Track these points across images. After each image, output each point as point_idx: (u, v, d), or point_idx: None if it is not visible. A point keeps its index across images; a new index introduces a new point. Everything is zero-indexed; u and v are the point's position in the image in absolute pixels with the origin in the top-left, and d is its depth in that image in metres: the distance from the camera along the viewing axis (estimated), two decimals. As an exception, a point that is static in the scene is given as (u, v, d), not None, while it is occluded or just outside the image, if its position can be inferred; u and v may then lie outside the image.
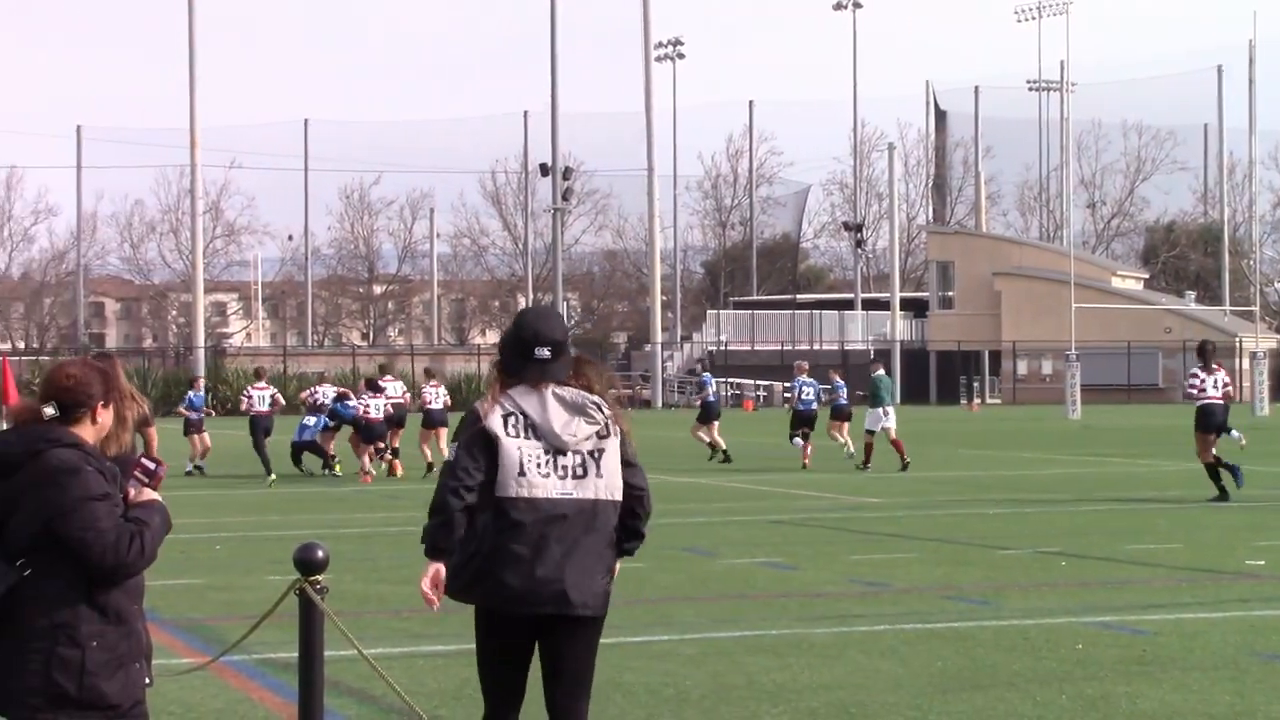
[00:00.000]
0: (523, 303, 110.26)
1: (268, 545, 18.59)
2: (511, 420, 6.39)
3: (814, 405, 33.13)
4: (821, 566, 16.38)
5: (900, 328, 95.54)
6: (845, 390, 34.88)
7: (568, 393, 6.49)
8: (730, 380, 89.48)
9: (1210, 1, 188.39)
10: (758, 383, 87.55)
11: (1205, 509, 22.39)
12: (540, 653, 6.50)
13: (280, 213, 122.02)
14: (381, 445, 30.91)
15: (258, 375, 34.12)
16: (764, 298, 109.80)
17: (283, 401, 33.37)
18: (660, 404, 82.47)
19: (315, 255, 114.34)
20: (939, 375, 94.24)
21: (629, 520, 6.62)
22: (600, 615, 6.48)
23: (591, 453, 6.44)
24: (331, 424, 31.75)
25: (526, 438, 6.38)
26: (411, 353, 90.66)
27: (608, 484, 6.45)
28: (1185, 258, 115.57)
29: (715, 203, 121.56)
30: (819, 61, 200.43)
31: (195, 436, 32.66)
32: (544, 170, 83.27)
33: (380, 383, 31.52)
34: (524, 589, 6.30)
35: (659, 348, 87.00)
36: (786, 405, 35.02)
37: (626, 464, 6.57)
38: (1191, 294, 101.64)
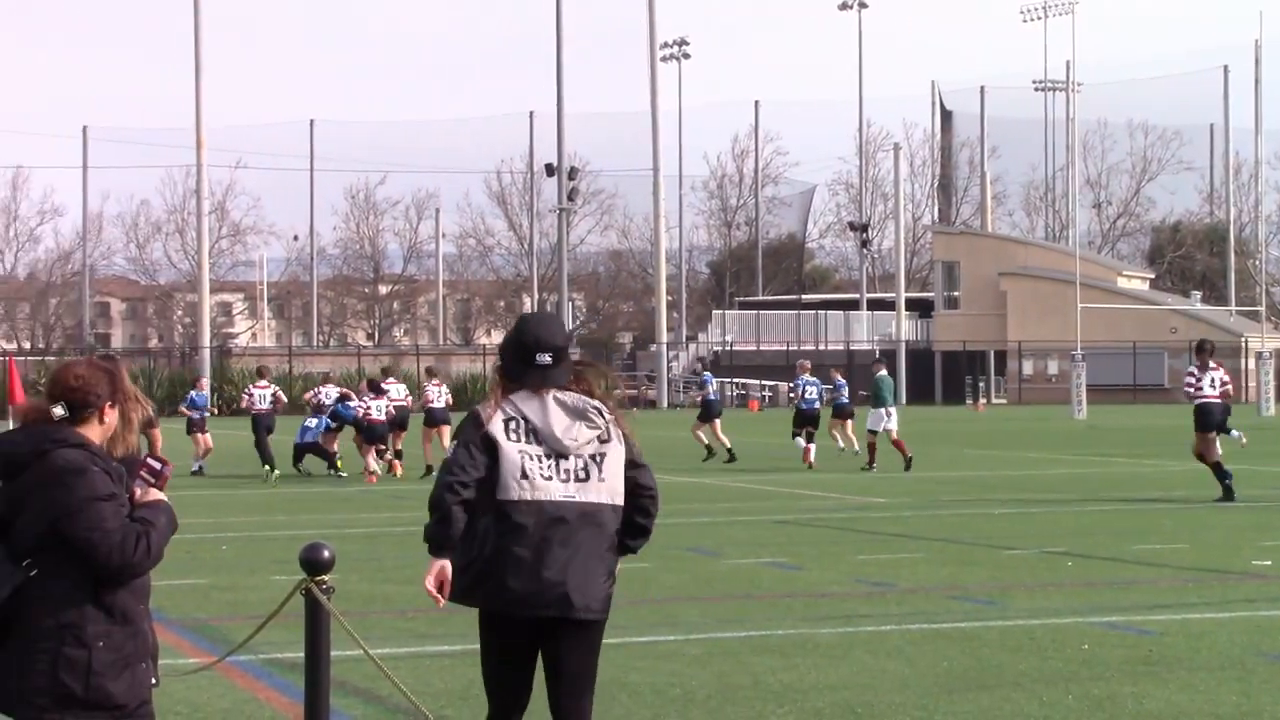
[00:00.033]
0: (528, 303, 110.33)
1: (273, 545, 18.61)
2: (513, 425, 6.42)
3: (817, 404, 33.17)
4: (827, 567, 16.38)
5: (905, 328, 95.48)
6: (846, 389, 34.92)
7: (569, 398, 6.51)
8: (735, 380, 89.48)
9: (1216, 1, 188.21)
10: (763, 383, 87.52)
11: (1211, 509, 22.38)
12: (543, 655, 6.52)
13: (286, 213, 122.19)
14: (383, 447, 30.94)
15: (260, 374, 34.16)
16: (769, 298, 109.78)
17: (284, 400, 33.40)
18: (665, 404, 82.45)
19: (320, 255, 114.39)
20: (944, 375, 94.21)
21: (640, 518, 6.66)
22: (602, 618, 6.50)
23: (593, 457, 6.47)
24: (333, 425, 31.85)
25: (528, 442, 6.41)
26: (417, 353, 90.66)
27: (609, 488, 6.48)
28: (1191, 258, 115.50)
29: (721, 203, 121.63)
30: (824, 61, 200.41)
31: (198, 436, 32.70)
32: (549, 170, 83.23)
33: (382, 385, 31.57)
34: (526, 592, 6.33)
35: (664, 348, 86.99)
36: (792, 404, 35.01)
37: (634, 465, 6.60)
38: (1197, 294, 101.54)
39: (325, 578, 6.66)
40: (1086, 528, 20.20)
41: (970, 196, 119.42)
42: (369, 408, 30.74)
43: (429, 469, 29.69)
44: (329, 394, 32.45)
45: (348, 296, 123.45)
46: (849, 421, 34.29)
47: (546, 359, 6.52)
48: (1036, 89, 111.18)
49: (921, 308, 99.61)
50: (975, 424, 58.72)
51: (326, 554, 6.68)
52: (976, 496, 25.37)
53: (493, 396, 6.54)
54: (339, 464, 31.19)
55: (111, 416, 5.66)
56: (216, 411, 37.71)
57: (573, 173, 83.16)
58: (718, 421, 34.79)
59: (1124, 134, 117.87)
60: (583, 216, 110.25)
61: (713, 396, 35.88)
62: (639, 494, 6.62)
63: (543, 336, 6.56)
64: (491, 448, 6.38)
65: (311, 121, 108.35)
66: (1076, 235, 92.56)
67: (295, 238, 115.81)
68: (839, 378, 34.64)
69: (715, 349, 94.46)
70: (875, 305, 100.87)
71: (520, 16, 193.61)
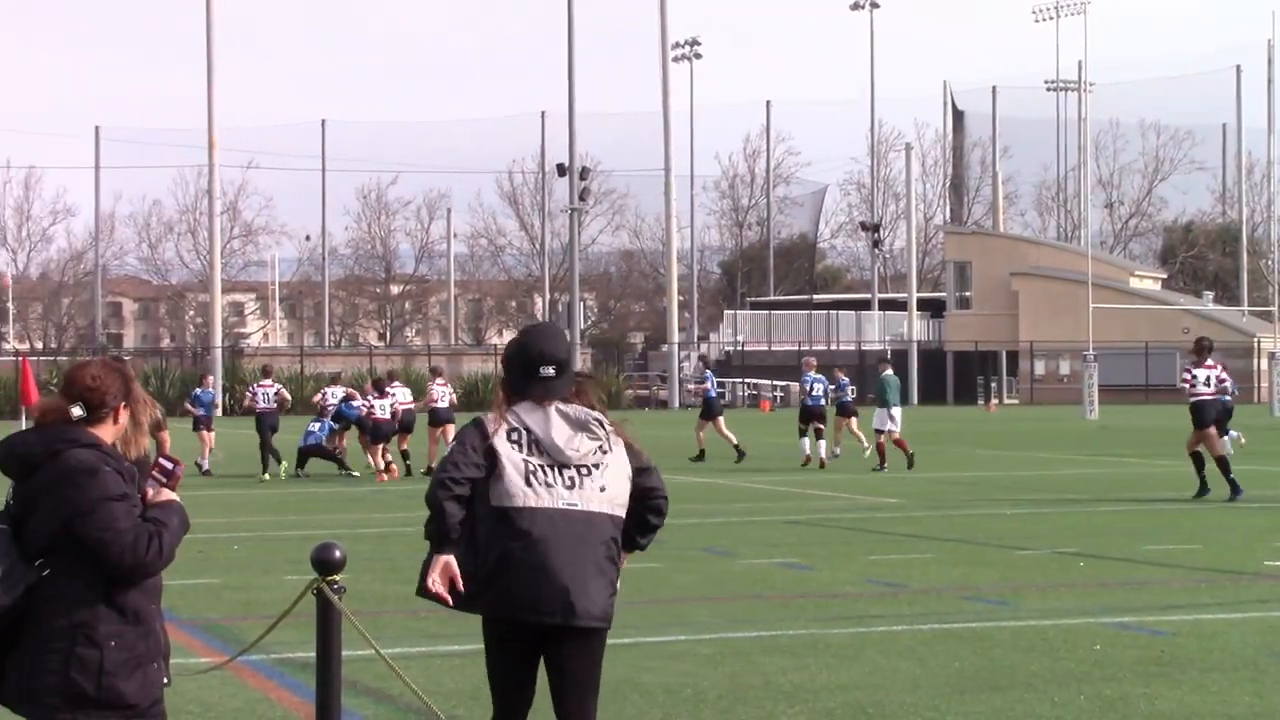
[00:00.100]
0: (540, 303, 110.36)
1: (285, 545, 18.63)
2: (515, 435, 6.51)
3: (822, 401, 33.36)
4: (838, 567, 16.37)
5: (917, 328, 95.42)
6: (850, 388, 35.02)
7: (571, 409, 6.60)
8: (747, 380, 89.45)
9: (1229, 1, 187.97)
10: (774, 383, 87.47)
11: (1224, 510, 22.34)
12: (545, 661, 6.58)
13: (297, 213, 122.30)
14: (386, 446, 31.12)
15: (265, 373, 34.23)
16: (781, 298, 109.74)
17: (288, 398, 33.40)
18: (677, 404, 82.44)
19: (332, 255, 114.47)
20: (956, 375, 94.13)
21: (653, 518, 6.78)
22: (604, 626, 6.56)
23: (595, 466, 6.55)
24: (335, 426, 32.04)
25: (531, 452, 6.49)
26: (428, 353, 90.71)
27: (609, 497, 6.56)
28: (1203, 258, 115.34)
29: (732, 203, 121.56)
30: (836, 62, 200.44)
31: (203, 433, 32.78)
32: (561, 170, 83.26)
33: (387, 389, 31.76)
34: (529, 599, 6.40)
35: (676, 348, 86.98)
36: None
37: (641, 470, 6.68)
38: (1210, 294, 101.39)
39: (337, 577, 6.67)
40: (1099, 528, 20.18)
41: (982, 196, 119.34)
42: (372, 406, 30.93)
43: (429, 470, 29.76)
44: (335, 394, 32.65)
45: (359, 296, 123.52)
46: (853, 419, 34.34)
47: (549, 371, 6.61)
48: (1049, 89, 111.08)
49: (933, 308, 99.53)
50: (987, 424, 58.67)
51: (338, 554, 6.69)
52: (988, 497, 25.34)
53: (496, 408, 6.62)
54: (348, 463, 31.34)
55: (124, 417, 5.68)
56: (220, 411, 37.66)
57: (584, 173, 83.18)
58: (721, 419, 34.84)
59: (1136, 134, 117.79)
60: (594, 216, 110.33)
61: (712, 394, 35.92)
62: (651, 496, 6.72)
63: (546, 349, 6.65)
64: (492, 456, 6.46)
65: (323, 121, 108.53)
66: (1088, 235, 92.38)
67: (307, 238, 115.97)
68: (843, 377, 34.69)
69: (726, 349, 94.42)
70: (887, 305, 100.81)
71: (532, 17, 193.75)
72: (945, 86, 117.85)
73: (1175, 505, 23.12)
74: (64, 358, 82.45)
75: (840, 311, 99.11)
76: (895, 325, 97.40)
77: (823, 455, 32.67)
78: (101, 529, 5.35)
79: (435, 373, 34.10)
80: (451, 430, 30.24)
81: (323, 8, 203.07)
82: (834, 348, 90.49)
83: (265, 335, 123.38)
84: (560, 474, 6.48)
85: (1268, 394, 71.04)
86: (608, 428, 6.61)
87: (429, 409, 31.62)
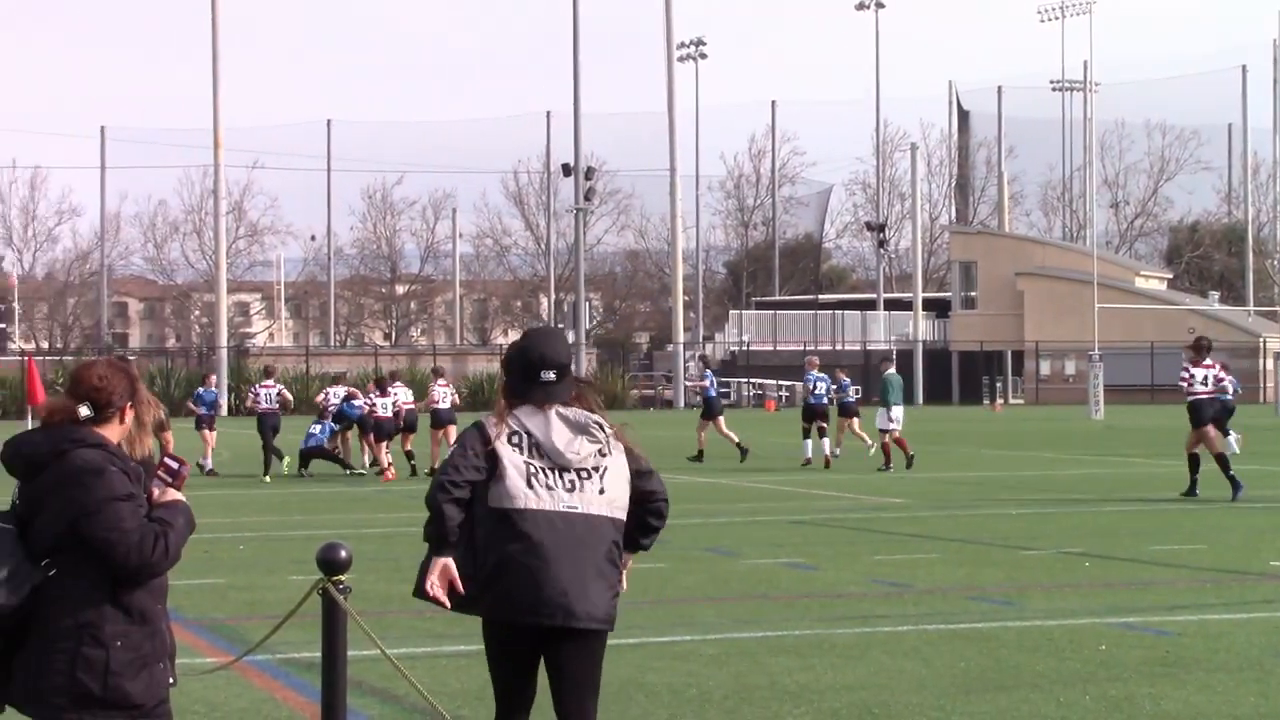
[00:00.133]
0: (545, 303, 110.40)
1: (290, 545, 18.64)
2: (515, 438, 6.55)
3: (825, 399, 33.44)
4: (844, 567, 16.37)
5: (923, 328, 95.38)
6: (851, 389, 35.06)
7: (571, 413, 6.63)
8: (752, 380, 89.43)
9: (1234, 1, 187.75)
10: (780, 383, 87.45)
11: (1228, 510, 22.33)
12: (545, 661, 6.62)
13: (303, 213, 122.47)
14: (388, 445, 31.23)
15: (267, 373, 34.23)
16: (786, 298, 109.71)
17: (290, 399, 33.34)
18: (682, 404, 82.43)
19: (338, 255, 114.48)
20: (961, 375, 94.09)
21: (654, 520, 6.82)
22: (605, 628, 6.59)
23: (594, 470, 6.59)
24: (336, 427, 32.11)
25: (531, 456, 6.53)
26: (434, 353, 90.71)
27: (609, 500, 6.60)
28: (1209, 258, 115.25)
29: (738, 203, 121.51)
30: (841, 61, 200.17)
31: (205, 433, 32.80)
32: (566, 170, 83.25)
33: (389, 387, 31.90)
34: (528, 601, 6.43)
35: (681, 348, 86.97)
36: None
37: (641, 473, 6.72)
38: (1215, 294, 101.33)
39: (342, 577, 6.68)
40: (1104, 528, 20.17)
41: (987, 196, 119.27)
42: (374, 405, 31.05)
43: (432, 470, 29.79)
44: (337, 394, 32.73)
45: (365, 296, 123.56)
46: (855, 420, 34.38)
47: (550, 375, 6.65)
48: (1054, 89, 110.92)
49: (939, 308, 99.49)
50: (992, 424, 58.65)
51: (343, 554, 6.69)
52: (993, 497, 25.33)
53: (497, 412, 6.66)
54: (350, 461, 31.45)
55: (130, 417, 5.68)
56: (225, 411, 37.57)
57: (589, 173, 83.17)
58: (721, 419, 34.87)
59: (1142, 134, 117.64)
60: (599, 216, 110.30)
61: (712, 394, 35.94)
62: (651, 499, 6.76)
63: (547, 354, 6.69)
64: (494, 459, 6.50)
65: (329, 122, 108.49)
66: (1094, 235, 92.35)
67: (312, 238, 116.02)
68: (844, 378, 34.73)
69: (732, 349, 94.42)
70: (892, 305, 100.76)
71: (537, 17, 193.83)
72: (950, 86, 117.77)
73: (1180, 505, 23.10)
74: (69, 358, 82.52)
75: (845, 311, 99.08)
76: (900, 325, 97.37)
77: (826, 452, 32.75)
78: (107, 529, 5.36)
79: (437, 374, 34.13)
80: (453, 432, 30.28)
81: (328, 8, 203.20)
82: (839, 348, 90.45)
83: (270, 335, 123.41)
84: (560, 477, 6.52)
85: (1273, 394, 70.96)
86: (607, 431, 6.64)
87: (431, 410, 31.65)
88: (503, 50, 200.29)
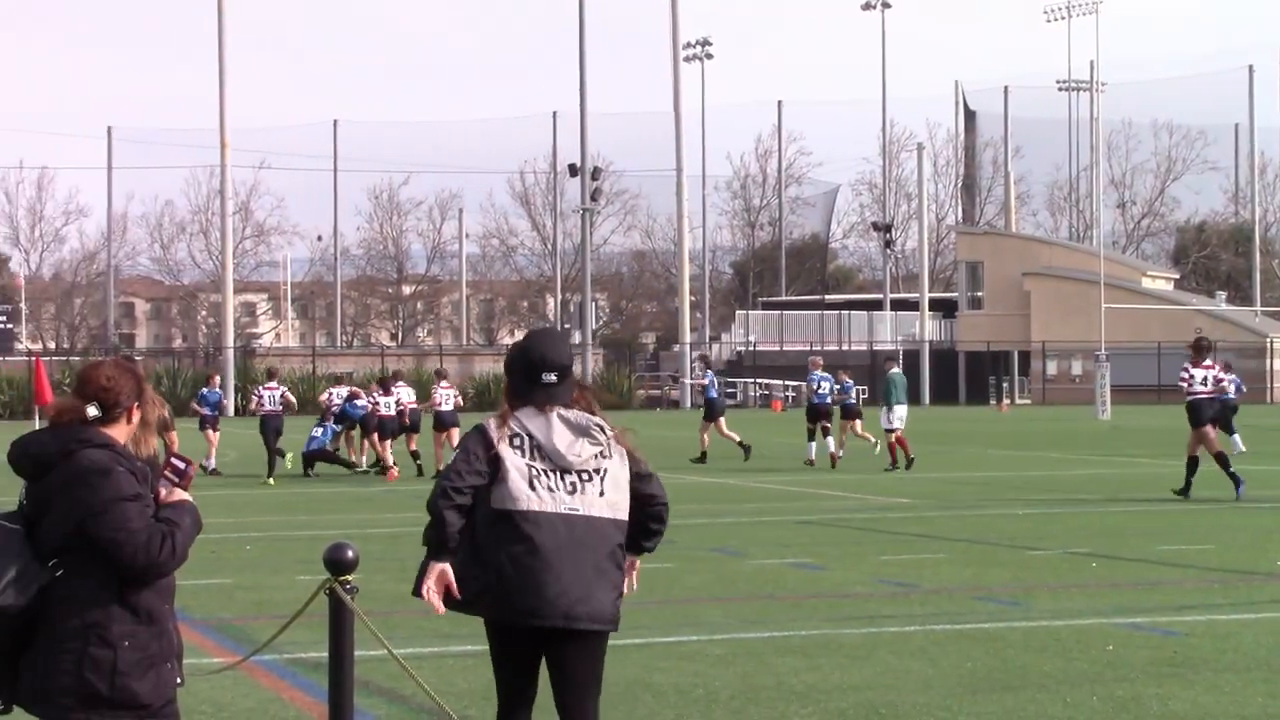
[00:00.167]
0: (551, 303, 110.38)
1: (297, 545, 18.65)
2: (517, 441, 6.58)
3: (829, 399, 33.47)
4: (850, 567, 16.37)
5: (929, 328, 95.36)
6: (854, 390, 35.09)
7: (572, 415, 6.66)
8: (759, 380, 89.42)
9: (1241, 1, 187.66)
10: (786, 383, 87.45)
11: (1234, 510, 22.31)
12: (547, 661, 6.66)
13: (309, 213, 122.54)
14: (390, 443, 31.30)
15: (269, 375, 34.21)
16: (793, 298, 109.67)
17: (293, 401, 33.26)
18: (688, 404, 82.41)
19: (344, 256, 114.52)
20: (968, 376, 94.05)
21: (653, 525, 6.84)
22: (606, 629, 6.62)
23: (595, 472, 6.62)
24: (338, 428, 32.14)
25: (532, 457, 6.56)
26: (440, 353, 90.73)
27: (610, 502, 6.62)
28: (1216, 258, 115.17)
29: (744, 203, 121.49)
30: (848, 61, 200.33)
31: (209, 433, 32.82)
32: (573, 171, 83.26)
33: (393, 387, 31.97)
34: (529, 603, 6.47)
35: (688, 348, 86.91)
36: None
37: (641, 477, 6.75)
38: (1222, 294, 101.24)
39: (349, 577, 6.68)
40: (1111, 528, 20.16)
41: (994, 196, 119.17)
42: (377, 404, 31.11)
43: (439, 473, 29.79)
44: (340, 394, 32.76)
45: (371, 297, 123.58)
46: (857, 422, 34.40)
47: (551, 377, 6.68)
48: (1060, 89, 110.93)
49: (945, 308, 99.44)
50: (999, 424, 58.61)
51: (350, 554, 6.70)
52: (1000, 497, 25.32)
53: (501, 415, 6.69)
54: (352, 460, 31.52)
55: (137, 417, 5.69)
56: (232, 411, 37.47)
57: (596, 173, 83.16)
58: (722, 420, 34.88)
59: (1148, 134, 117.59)
60: (606, 217, 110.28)
61: (713, 394, 35.95)
62: (650, 504, 6.79)
63: (548, 356, 6.72)
64: (496, 462, 6.53)
65: (335, 122, 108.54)
66: (1101, 235, 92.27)
67: (319, 238, 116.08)
68: (847, 379, 34.77)
69: (738, 349, 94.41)
70: (899, 305, 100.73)
71: (544, 17, 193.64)
72: (957, 86, 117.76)
73: (1187, 506, 23.09)
74: (76, 358, 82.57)
75: (852, 312, 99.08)
76: (907, 325, 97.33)
77: (831, 450, 32.81)
78: (115, 529, 5.36)
79: (440, 376, 34.14)
80: (456, 435, 30.26)
81: (334, 8, 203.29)
82: (846, 348, 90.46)
83: (277, 335, 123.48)
84: (562, 479, 6.55)
85: (1280, 394, 70.88)
86: (608, 433, 6.67)
87: (434, 413, 31.64)
88: (509, 50, 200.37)
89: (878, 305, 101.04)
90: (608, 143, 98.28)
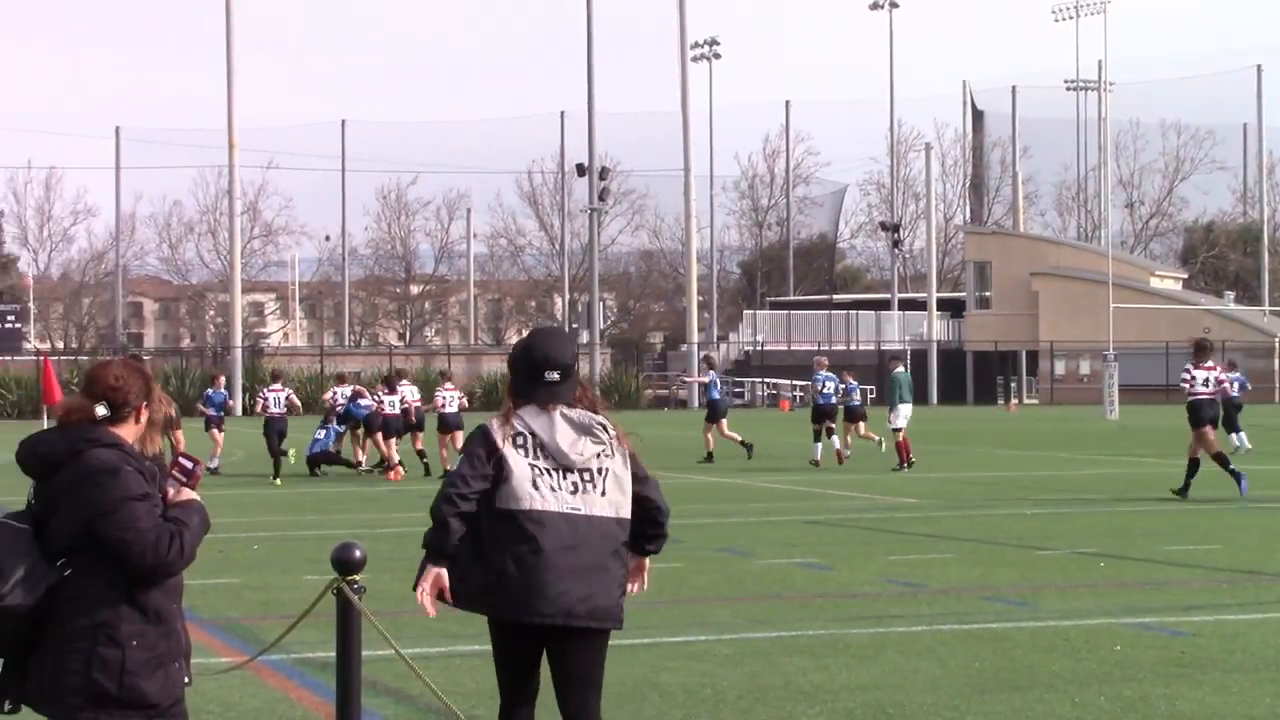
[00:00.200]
0: (559, 303, 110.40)
1: (305, 545, 18.66)
2: (520, 440, 6.62)
3: (833, 399, 33.51)
4: (858, 567, 16.36)
5: (937, 328, 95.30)
6: (857, 391, 35.12)
7: (575, 414, 6.70)
8: (766, 380, 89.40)
9: (1249, 1, 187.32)
10: (794, 383, 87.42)
11: (1242, 510, 22.29)
12: (548, 659, 6.70)
13: (317, 213, 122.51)
14: (397, 443, 31.30)
15: (274, 377, 34.21)
16: (800, 298, 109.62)
17: (298, 404, 33.19)
18: (696, 404, 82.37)
19: (352, 255, 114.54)
20: (976, 375, 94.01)
21: (651, 529, 6.89)
22: (607, 627, 6.66)
23: (598, 470, 6.65)
24: (341, 430, 32.14)
25: (535, 456, 6.60)
26: (448, 353, 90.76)
27: (612, 501, 6.66)
28: (1224, 258, 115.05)
29: (752, 203, 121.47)
30: (855, 61, 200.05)
31: (214, 433, 32.84)
32: (580, 170, 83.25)
33: (397, 386, 31.93)
34: (532, 601, 6.50)
35: (695, 348, 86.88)
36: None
37: (637, 479, 6.78)
38: (1231, 294, 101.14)
39: (357, 577, 6.69)
40: (1119, 528, 20.14)
41: (1002, 196, 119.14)
42: (382, 402, 31.09)
43: (446, 474, 29.80)
44: (344, 393, 32.72)
45: (379, 297, 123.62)
46: (861, 424, 34.43)
47: (554, 376, 6.71)
48: (1068, 89, 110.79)
49: (953, 308, 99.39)
50: (1007, 424, 58.58)
51: (358, 554, 6.71)
52: (1008, 497, 25.31)
53: (504, 413, 6.72)
54: (354, 459, 31.56)
55: (145, 417, 5.69)
56: (240, 411, 37.40)
57: (604, 173, 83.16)
58: (724, 421, 34.88)
59: (1156, 134, 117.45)
60: (614, 216, 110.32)
61: (716, 395, 35.96)
62: (647, 506, 6.82)
63: (551, 354, 6.75)
64: (500, 463, 6.56)
65: (343, 122, 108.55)
66: (1109, 235, 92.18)
67: (327, 238, 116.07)
68: (851, 380, 34.80)
69: (746, 349, 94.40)
70: (906, 305, 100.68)
71: (551, 16, 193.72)
72: (965, 86, 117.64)
73: (1195, 506, 23.06)
74: (85, 358, 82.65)
75: (860, 311, 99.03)
76: (915, 325, 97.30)
77: (837, 447, 32.87)
78: (123, 529, 5.37)
79: (444, 377, 34.08)
80: (460, 437, 30.26)
81: (342, 8, 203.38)
82: (853, 348, 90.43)
83: (285, 335, 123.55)
84: (564, 478, 6.58)
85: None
86: (611, 432, 6.70)
87: (438, 415, 31.62)
88: (517, 50, 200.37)
89: (885, 305, 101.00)
90: (615, 142, 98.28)
